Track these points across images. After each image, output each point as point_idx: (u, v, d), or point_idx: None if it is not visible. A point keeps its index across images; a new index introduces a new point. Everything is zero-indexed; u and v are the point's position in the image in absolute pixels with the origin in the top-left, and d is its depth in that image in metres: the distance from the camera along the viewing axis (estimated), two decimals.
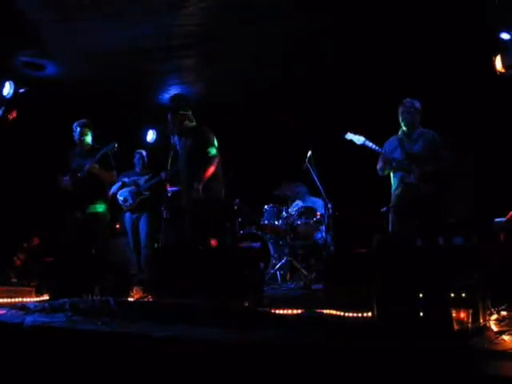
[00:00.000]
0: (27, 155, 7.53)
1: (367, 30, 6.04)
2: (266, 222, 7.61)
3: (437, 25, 5.87)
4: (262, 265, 5.35)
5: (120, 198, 6.93)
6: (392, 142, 5.66)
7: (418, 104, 5.51)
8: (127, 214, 6.95)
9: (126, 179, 7.01)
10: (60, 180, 6.15)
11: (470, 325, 2.87)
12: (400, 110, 5.52)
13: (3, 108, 6.79)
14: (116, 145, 6.04)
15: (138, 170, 7.16)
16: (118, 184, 6.98)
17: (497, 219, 4.73)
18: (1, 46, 6.37)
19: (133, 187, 6.93)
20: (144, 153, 7.37)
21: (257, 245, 7.23)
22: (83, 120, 6.27)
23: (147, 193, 6.82)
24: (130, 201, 6.89)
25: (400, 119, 5.54)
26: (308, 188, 7.85)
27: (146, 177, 6.91)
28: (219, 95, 7.72)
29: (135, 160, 7.25)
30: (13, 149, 7.25)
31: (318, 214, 7.46)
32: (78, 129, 6.21)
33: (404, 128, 5.54)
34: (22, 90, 6.93)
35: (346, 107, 7.40)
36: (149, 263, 6.19)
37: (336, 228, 7.57)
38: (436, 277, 3.24)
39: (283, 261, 7.19)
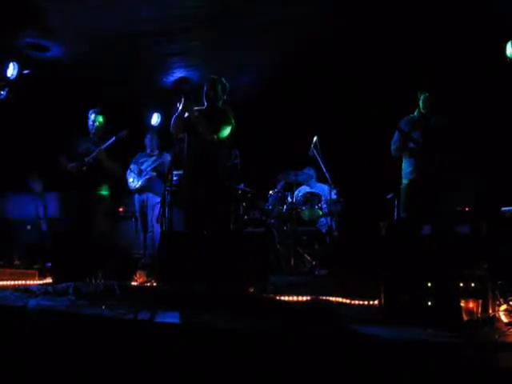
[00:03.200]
0: (30, 136, 7.48)
1: (376, 15, 5.95)
2: (270, 207, 7.57)
3: (446, 11, 5.77)
4: (266, 251, 5.31)
5: (129, 180, 6.90)
6: (408, 122, 5.50)
7: (438, 87, 5.38)
8: (136, 196, 6.92)
9: (132, 166, 6.96)
10: (63, 163, 6.11)
11: (479, 315, 2.83)
12: (422, 93, 5.37)
13: (7, 89, 6.73)
14: (127, 132, 6.02)
15: (148, 151, 7.09)
16: (130, 167, 6.97)
17: (503, 208, 4.68)
18: (4, 27, 6.30)
19: (139, 169, 6.90)
20: (155, 134, 7.31)
21: (261, 230, 7.19)
22: (98, 107, 6.29)
23: (153, 173, 6.77)
24: (136, 182, 6.86)
25: (420, 102, 5.39)
26: (316, 174, 7.81)
27: (153, 158, 6.87)
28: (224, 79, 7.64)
29: (146, 141, 7.18)
30: (16, 130, 7.21)
31: (323, 200, 7.42)
32: (93, 116, 6.24)
33: (423, 111, 5.39)
34: (25, 72, 6.86)
35: (352, 93, 7.32)
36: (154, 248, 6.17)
37: (341, 214, 7.55)
38: (445, 266, 3.20)
39: (287, 246, 7.16)
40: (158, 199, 6.76)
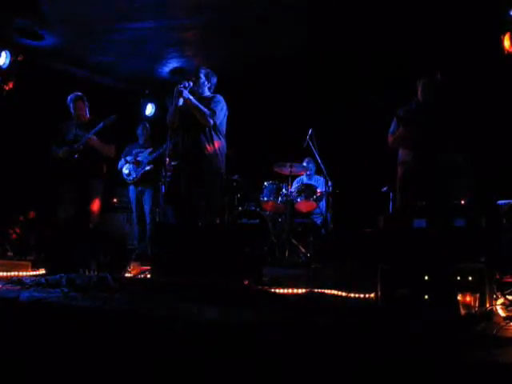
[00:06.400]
0: (23, 126, 7.42)
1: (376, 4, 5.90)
2: (265, 198, 7.55)
3: (443, 4, 5.74)
4: (261, 242, 5.29)
5: (125, 172, 6.82)
6: (406, 110, 5.32)
7: (439, 76, 5.22)
8: (131, 188, 6.85)
9: (128, 157, 6.89)
10: (54, 151, 6.07)
11: (476, 309, 2.82)
12: (421, 81, 5.23)
13: None
14: (115, 117, 5.97)
15: (141, 141, 7.03)
16: (123, 160, 6.88)
17: (500, 201, 4.66)
18: None
19: (136, 160, 6.82)
20: (147, 124, 7.25)
21: (255, 222, 7.17)
22: (76, 93, 6.20)
23: (150, 166, 6.70)
24: (133, 174, 6.79)
25: (419, 91, 5.26)
26: (316, 166, 7.80)
27: (149, 150, 6.80)
28: (219, 70, 7.58)
29: (138, 132, 7.12)
30: (8, 120, 7.14)
31: (319, 191, 7.40)
32: (72, 103, 6.16)
33: (421, 99, 5.26)
34: (18, 60, 6.80)
35: (348, 85, 7.29)
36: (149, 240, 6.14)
37: (336, 206, 7.54)
38: (442, 259, 3.18)
39: (282, 238, 7.15)
40: (155, 191, 6.73)
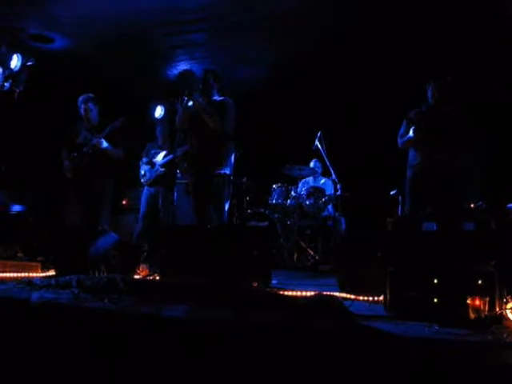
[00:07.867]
0: (34, 128, 7.46)
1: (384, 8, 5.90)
2: (274, 201, 7.56)
3: (454, 8, 5.73)
4: (270, 245, 5.30)
5: (141, 172, 6.79)
6: (417, 114, 5.31)
7: (450, 78, 5.20)
8: (145, 188, 6.80)
9: (144, 158, 6.86)
10: (65, 155, 6.11)
11: (486, 313, 2.81)
12: (431, 84, 5.23)
13: (10, 81, 6.71)
14: (122, 120, 5.98)
15: (159, 142, 6.99)
16: (142, 161, 6.87)
17: (509, 205, 4.64)
18: (8, 18, 6.28)
19: (151, 161, 6.78)
20: (166, 126, 7.19)
21: (264, 224, 7.17)
22: (87, 95, 6.19)
23: (163, 169, 6.66)
24: (148, 176, 6.74)
25: (430, 93, 5.24)
26: (322, 168, 7.78)
27: (165, 152, 6.76)
28: (229, 72, 7.61)
29: (157, 132, 7.08)
30: (19, 122, 7.18)
31: (327, 194, 7.40)
32: (82, 105, 6.15)
33: (431, 102, 5.25)
34: (29, 63, 6.83)
35: (357, 88, 7.28)
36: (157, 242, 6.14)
37: (344, 209, 7.54)
38: (452, 262, 3.17)
39: (290, 241, 7.15)
40: (167, 194, 6.69)
